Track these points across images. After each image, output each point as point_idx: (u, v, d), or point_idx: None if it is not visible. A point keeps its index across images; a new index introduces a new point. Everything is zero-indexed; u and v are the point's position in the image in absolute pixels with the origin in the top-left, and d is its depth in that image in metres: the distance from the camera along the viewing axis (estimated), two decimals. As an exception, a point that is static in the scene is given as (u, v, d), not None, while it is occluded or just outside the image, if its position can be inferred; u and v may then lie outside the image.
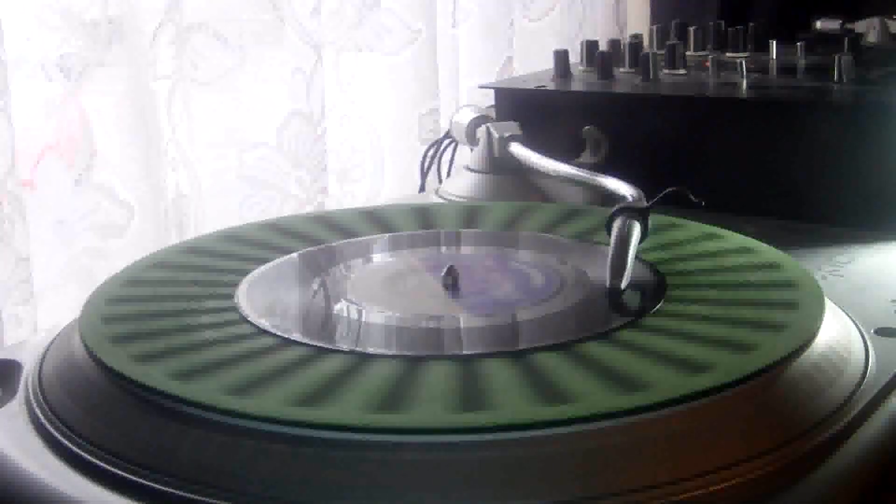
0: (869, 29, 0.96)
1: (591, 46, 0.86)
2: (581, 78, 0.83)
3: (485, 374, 0.40)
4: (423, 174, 0.85)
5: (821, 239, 0.62)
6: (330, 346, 0.43)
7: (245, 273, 0.51)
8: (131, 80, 0.81)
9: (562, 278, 0.51)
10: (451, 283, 0.50)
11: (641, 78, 0.79)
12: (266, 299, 0.49)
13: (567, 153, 0.71)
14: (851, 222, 0.64)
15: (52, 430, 0.40)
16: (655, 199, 0.54)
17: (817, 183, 0.67)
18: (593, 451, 0.35)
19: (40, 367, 0.45)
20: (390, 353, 0.43)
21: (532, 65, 1.17)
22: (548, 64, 0.85)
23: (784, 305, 0.46)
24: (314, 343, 0.43)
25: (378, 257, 0.56)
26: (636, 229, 0.52)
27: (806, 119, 0.68)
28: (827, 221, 0.65)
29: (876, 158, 0.65)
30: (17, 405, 0.43)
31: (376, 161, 1.05)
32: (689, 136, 0.72)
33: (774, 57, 0.86)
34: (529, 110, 0.77)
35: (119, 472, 0.37)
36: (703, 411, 0.37)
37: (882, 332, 0.47)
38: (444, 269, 0.50)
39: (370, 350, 0.43)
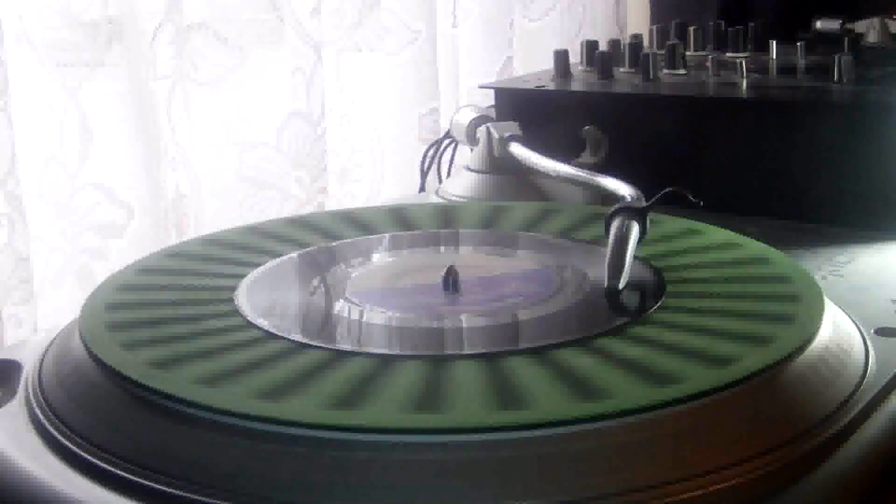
0: (869, 29, 0.96)
1: (591, 46, 0.86)
2: (581, 78, 0.83)
3: (452, 375, 0.40)
4: (423, 174, 0.85)
5: (821, 239, 0.62)
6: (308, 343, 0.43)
7: (246, 272, 0.51)
8: (131, 79, 0.81)
9: (561, 279, 0.51)
10: (451, 283, 0.50)
11: (641, 78, 0.79)
12: (267, 299, 0.49)
13: (567, 153, 0.71)
14: (851, 222, 0.64)
15: (52, 430, 0.40)
16: (654, 199, 0.54)
17: (817, 183, 0.67)
18: (592, 451, 0.35)
19: (40, 367, 0.45)
20: (363, 350, 0.43)
21: (532, 65, 1.17)
22: (548, 64, 0.85)
23: (784, 306, 0.46)
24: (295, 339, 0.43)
25: (378, 257, 0.56)
26: (634, 229, 0.52)
27: (806, 119, 0.68)
28: (827, 221, 0.65)
29: (876, 158, 0.64)
30: (17, 405, 0.43)
31: (376, 161, 1.05)
32: (688, 136, 0.72)
33: (774, 57, 0.86)
34: (529, 110, 0.77)
35: (119, 472, 0.37)
36: (703, 411, 0.37)
37: (882, 332, 0.47)
38: (445, 270, 0.50)
39: (345, 347, 0.43)
